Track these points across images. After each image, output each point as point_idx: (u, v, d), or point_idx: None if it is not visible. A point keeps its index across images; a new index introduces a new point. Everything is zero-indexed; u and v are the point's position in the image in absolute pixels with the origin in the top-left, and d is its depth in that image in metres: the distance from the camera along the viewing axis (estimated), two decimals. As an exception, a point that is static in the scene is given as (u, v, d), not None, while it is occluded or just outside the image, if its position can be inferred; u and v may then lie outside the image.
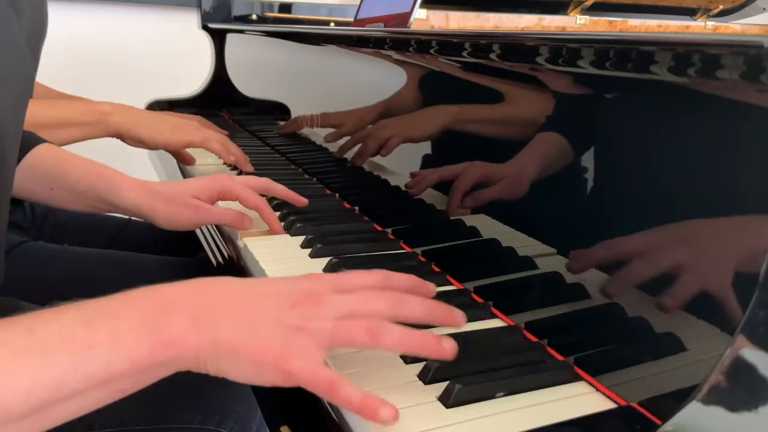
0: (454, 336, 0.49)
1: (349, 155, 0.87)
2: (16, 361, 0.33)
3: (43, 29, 0.58)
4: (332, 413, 0.42)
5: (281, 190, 0.74)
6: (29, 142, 0.72)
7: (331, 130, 0.95)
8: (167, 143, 0.95)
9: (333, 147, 0.94)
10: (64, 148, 0.78)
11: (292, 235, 0.71)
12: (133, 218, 1.08)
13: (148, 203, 0.67)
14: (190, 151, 1.00)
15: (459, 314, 0.44)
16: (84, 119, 0.92)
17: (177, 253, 1.00)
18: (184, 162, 1.02)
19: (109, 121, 0.93)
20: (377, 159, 0.79)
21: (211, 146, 0.94)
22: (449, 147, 0.66)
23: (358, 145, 0.84)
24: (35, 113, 0.88)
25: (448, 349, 0.41)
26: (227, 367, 0.40)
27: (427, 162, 0.69)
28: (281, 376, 0.39)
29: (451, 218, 0.63)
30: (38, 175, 0.72)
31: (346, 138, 0.89)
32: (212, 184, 0.70)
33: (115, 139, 0.96)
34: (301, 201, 0.75)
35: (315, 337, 0.39)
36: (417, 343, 0.41)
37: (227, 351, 0.39)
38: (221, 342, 0.39)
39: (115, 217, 1.09)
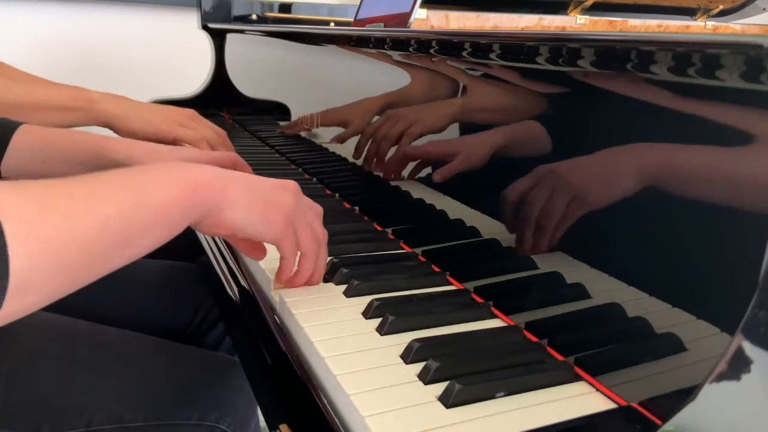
0: (455, 335, 0.49)
1: (359, 157, 0.87)
2: (103, 191, 0.40)
3: None
4: (331, 411, 0.42)
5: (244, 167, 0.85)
6: (9, 126, 0.72)
7: (336, 128, 0.95)
8: (159, 133, 0.92)
9: (333, 147, 0.94)
10: None
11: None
12: None
13: (142, 158, 0.71)
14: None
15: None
16: (70, 104, 0.89)
17: (176, 257, 1.00)
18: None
19: (96, 109, 0.90)
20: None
21: (201, 147, 0.92)
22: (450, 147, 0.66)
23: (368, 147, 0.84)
24: (20, 92, 0.86)
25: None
26: (242, 219, 0.49)
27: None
28: (286, 231, 0.51)
29: (452, 219, 0.63)
30: (29, 153, 0.72)
31: (356, 140, 0.89)
32: (199, 155, 0.75)
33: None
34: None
35: (303, 214, 0.54)
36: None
37: (241, 205, 0.49)
38: (236, 197, 0.48)
39: None
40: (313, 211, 0.57)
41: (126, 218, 0.40)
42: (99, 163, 0.72)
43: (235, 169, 0.78)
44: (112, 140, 0.72)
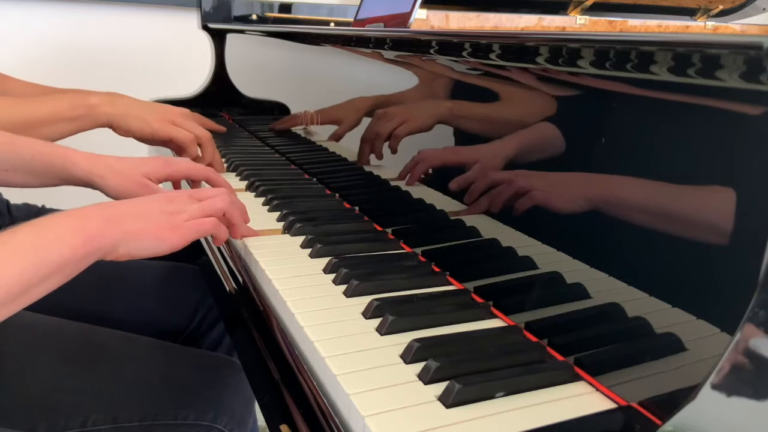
0: (455, 335, 0.49)
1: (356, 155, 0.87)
2: (7, 259, 0.48)
3: None
4: (332, 412, 0.42)
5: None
6: None
7: (330, 127, 0.95)
8: (154, 132, 0.94)
9: (333, 147, 0.94)
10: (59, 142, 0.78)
11: (291, 235, 0.71)
12: None
13: (100, 174, 0.72)
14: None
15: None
16: (72, 114, 0.91)
17: (176, 258, 1.00)
18: (180, 154, 1.00)
19: (98, 113, 0.92)
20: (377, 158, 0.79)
21: (189, 151, 0.94)
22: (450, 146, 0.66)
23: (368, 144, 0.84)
24: (23, 111, 0.88)
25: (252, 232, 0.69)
26: (136, 248, 0.56)
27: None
28: (178, 237, 0.58)
29: (452, 218, 0.63)
30: None
31: (355, 141, 0.89)
32: (164, 167, 0.76)
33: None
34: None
35: (190, 213, 0.60)
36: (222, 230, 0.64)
37: (133, 236, 0.56)
38: (128, 231, 0.55)
39: None
40: (202, 193, 0.65)
41: (25, 279, 0.48)
42: (60, 176, 0.73)
43: (208, 183, 0.80)
44: (76, 155, 0.72)
